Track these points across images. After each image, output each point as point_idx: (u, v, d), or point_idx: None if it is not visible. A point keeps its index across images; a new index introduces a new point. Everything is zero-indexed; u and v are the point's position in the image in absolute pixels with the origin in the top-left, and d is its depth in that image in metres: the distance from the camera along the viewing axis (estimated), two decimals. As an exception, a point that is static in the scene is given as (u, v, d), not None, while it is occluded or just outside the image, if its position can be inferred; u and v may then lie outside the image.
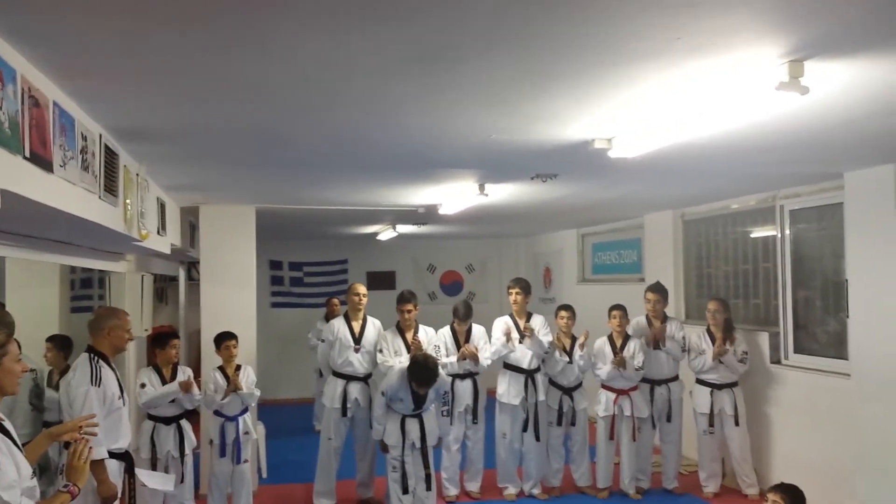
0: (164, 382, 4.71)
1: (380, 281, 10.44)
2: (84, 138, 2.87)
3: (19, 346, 2.44)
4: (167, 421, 4.72)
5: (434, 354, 5.27)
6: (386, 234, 9.00)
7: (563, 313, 5.92)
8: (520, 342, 5.76)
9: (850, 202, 4.78)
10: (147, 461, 4.62)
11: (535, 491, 5.86)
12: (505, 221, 8.28)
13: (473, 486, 5.87)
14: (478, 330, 5.84)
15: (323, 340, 6.04)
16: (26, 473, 2.29)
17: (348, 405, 5.59)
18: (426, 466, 4.99)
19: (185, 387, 4.67)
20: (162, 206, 4.96)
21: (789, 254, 5.73)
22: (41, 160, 2.38)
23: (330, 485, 5.64)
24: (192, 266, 8.07)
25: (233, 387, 4.99)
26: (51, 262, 4.93)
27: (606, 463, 5.85)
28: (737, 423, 5.66)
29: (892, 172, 4.39)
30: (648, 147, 3.55)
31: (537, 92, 2.80)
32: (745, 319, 6.23)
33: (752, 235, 6.25)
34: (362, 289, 5.81)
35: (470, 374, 5.77)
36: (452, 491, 5.81)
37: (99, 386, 3.56)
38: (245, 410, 5.17)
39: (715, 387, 5.71)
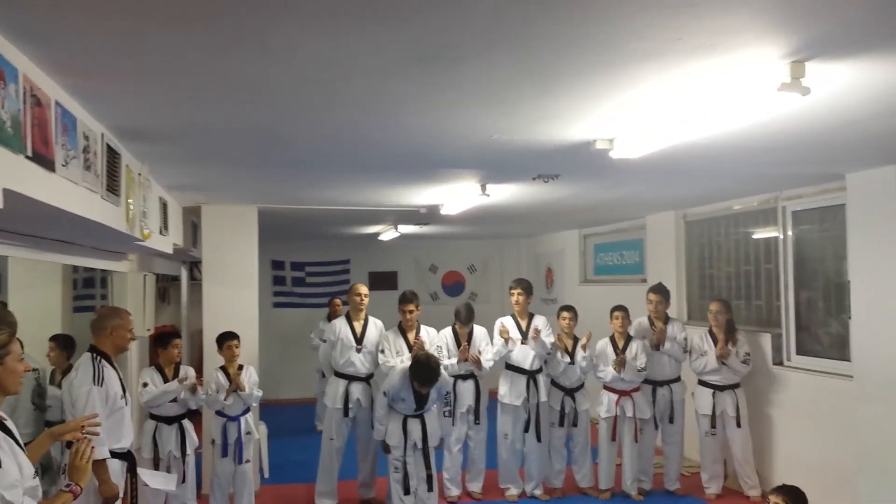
0: (165, 382, 4.72)
1: (382, 281, 10.44)
2: (86, 138, 2.88)
3: (22, 346, 2.45)
4: (169, 421, 4.73)
5: (436, 355, 5.27)
6: (388, 234, 9.00)
7: (564, 314, 5.91)
8: (522, 342, 5.76)
9: (853, 203, 4.76)
10: (149, 461, 4.62)
11: (537, 492, 5.86)
12: (507, 222, 8.28)
13: (475, 487, 5.87)
14: (479, 332, 5.84)
15: (325, 340, 6.05)
16: (28, 473, 2.30)
17: (350, 405, 5.59)
18: (428, 467, 4.99)
19: (192, 388, 4.71)
20: (164, 206, 4.97)
21: (791, 255, 5.72)
22: (43, 159, 2.38)
23: (332, 485, 5.64)
24: (195, 266, 8.08)
25: (234, 386, 5.00)
26: (53, 262, 4.94)
27: (608, 464, 5.84)
28: (738, 425, 5.65)
29: (894, 173, 4.38)
30: (650, 148, 3.55)
31: (538, 92, 2.80)
32: (748, 321, 6.22)
33: (755, 236, 6.24)
34: (364, 289, 5.81)
35: (472, 375, 5.77)
36: (454, 491, 5.81)
37: (101, 385, 3.57)
38: (247, 410, 5.17)
39: (717, 388, 5.71)
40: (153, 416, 4.75)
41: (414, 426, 4.99)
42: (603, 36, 2.19)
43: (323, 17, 2.01)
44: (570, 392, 5.85)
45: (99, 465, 3.33)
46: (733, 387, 5.71)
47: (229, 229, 6.21)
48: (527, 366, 5.77)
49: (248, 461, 5.14)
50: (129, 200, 3.64)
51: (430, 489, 4.98)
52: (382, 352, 5.53)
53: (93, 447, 2.65)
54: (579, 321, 5.95)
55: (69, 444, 2.73)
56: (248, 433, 5.16)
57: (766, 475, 5.72)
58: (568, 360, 5.78)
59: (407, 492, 4.92)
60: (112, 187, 3.27)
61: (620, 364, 5.63)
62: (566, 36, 2.18)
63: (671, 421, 5.91)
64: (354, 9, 1.97)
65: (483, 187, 5.21)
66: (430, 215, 6.94)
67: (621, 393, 5.76)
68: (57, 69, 2.43)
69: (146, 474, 4.10)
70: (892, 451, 4.43)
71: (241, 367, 5.16)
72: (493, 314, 6.57)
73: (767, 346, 5.83)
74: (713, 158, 4.15)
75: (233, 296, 6.12)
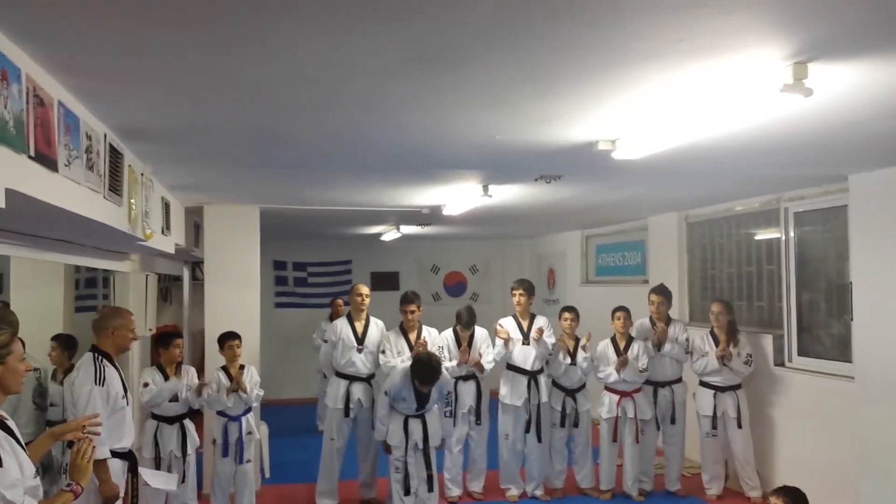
0: (167, 382, 4.72)
1: (383, 281, 10.44)
2: (89, 137, 2.88)
3: (23, 345, 2.45)
4: (171, 420, 4.73)
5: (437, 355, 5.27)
6: (390, 234, 9.00)
7: (566, 315, 5.91)
8: (524, 343, 5.76)
9: (855, 204, 4.75)
10: (150, 460, 4.62)
11: (538, 492, 5.85)
12: (509, 222, 8.27)
13: (476, 486, 5.87)
14: (480, 334, 5.83)
15: (326, 341, 6.05)
16: (29, 472, 2.30)
17: (351, 406, 5.59)
18: (428, 467, 4.98)
19: (198, 390, 4.75)
20: (166, 206, 4.97)
21: (793, 256, 5.71)
22: (46, 159, 2.38)
23: (332, 485, 5.64)
24: (197, 266, 8.09)
25: (234, 385, 5.00)
26: (55, 262, 4.95)
27: (609, 464, 5.84)
28: (739, 426, 5.64)
29: (896, 175, 4.38)
30: (652, 149, 3.54)
31: (540, 93, 2.80)
32: (749, 322, 6.21)
33: (757, 238, 6.23)
34: (365, 289, 5.82)
35: (473, 376, 5.77)
36: (455, 491, 5.81)
37: (103, 385, 3.57)
38: (248, 410, 5.18)
39: (718, 389, 5.70)
40: (154, 416, 4.75)
41: (415, 426, 4.99)
42: (605, 37, 2.18)
43: (323, 17, 2.01)
44: (572, 393, 5.84)
45: (99, 466, 3.33)
46: (734, 388, 5.70)
47: (231, 229, 6.22)
48: (528, 366, 5.77)
49: (248, 461, 5.14)
50: (132, 200, 3.64)
51: (430, 489, 4.98)
52: (383, 352, 5.53)
53: (94, 447, 2.66)
54: (581, 322, 5.94)
55: (70, 444, 2.73)
56: (250, 433, 5.16)
57: (767, 476, 5.71)
58: (569, 360, 5.77)
59: (407, 492, 4.92)
60: (114, 187, 3.27)
61: (623, 364, 5.63)
62: (568, 37, 2.17)
63: (672, 422, 5.90)
64: (354, 9, 1.97)
65: (485, 188, 5.20)
66: (432, 216, 6.94)
67: (623, 394, 5.76)
68: (59, 69, 2.43)
69: (147, 474, 4.10)
70: (893, 453, 4.42)
71: (242, 367, 5.16)
72: (495, 315, 6.56)
73: (769, 347, 5.82)
74: (715, 159, 4.14)
75: (235, 296, 6.12)
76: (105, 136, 3.15)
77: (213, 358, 5.48)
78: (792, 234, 5.71)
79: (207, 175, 4.84)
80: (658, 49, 2.28)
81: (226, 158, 4.26)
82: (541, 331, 5.71)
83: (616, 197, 5.93)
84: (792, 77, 2.39)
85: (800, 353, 5.67)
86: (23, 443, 2.36)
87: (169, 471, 4.62)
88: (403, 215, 7.24)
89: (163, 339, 4.87)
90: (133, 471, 3.82)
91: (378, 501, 5.73)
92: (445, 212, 6.36)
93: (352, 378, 5.64)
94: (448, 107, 2.99)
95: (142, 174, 3.88)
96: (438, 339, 5.71)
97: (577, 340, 5.83)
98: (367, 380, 5.68)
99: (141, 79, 2.61)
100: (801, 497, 3.25)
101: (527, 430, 5.80)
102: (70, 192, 2.67)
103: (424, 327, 5.68)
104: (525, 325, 5.85)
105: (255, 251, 6.32)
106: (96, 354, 3.67)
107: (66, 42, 2.21)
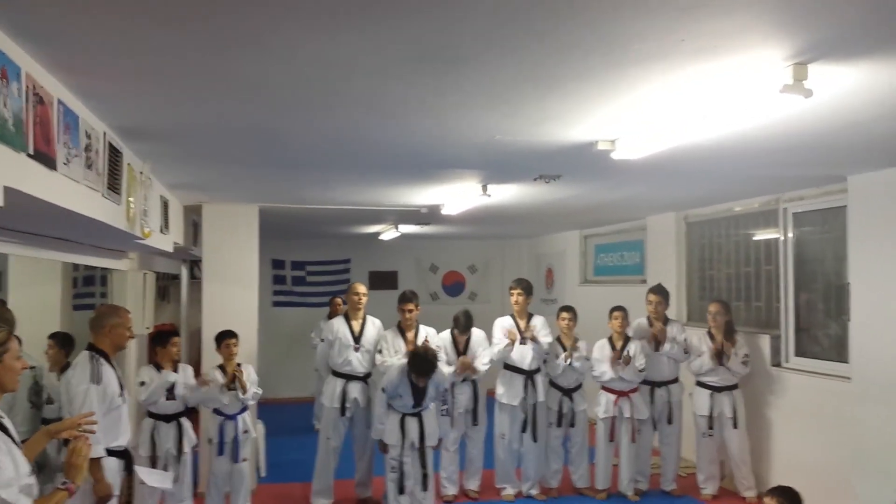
0: (164, 381, 4.72)
1: (382, 281, 10.44)
2: (88, 136, 2.88)
3: (20, 343, 2.45)
4: (167, 419, 4.73)
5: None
6: (388, 233, 9.00)
7: (564, 314, 5.92)
8: (521, 343, 5.76)
9: (854, 205, 4.76)
10: (147, 459, 4.62)
11: (534, 492, 5.86)
12: (508, 222, 8.27)
13: (473, 485, 5.88)
14: (478, 336, 5.83)
15: (324, 340, 6.05)
16: (24, 470, 2.30)
17: (347, 405, 5.59)
18: (424, 466, 4.99)
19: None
20: (165, 205, 4.97)
21: (792, 257, 5.72)
22: (45, 158, 2.38)
23: (327, 483, 5.64)
24: (195, 264, 8.08)
25: (228, 380, 4.99)
26: (53, 260, 4.94)
27: (605, 464, 5.84)
28: (735, 426, 5.65)
29: None
30: (652, 149, 3.55)
31: (540, 93, 2.80)
32: (747, 322, 6.22)
33: (755, 238, 6.23)
34: (362, 288, 5.81)
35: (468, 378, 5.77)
36: (451, 490, 5.81)
37: (99, 384, 3.57)
38: (244, 409, 5.17)
39: (715, 389, 5.70)
40: (151, 415, 4.74)
41: (412, 425, 4.99)
42: (605, 37, 2.18)
43: (323, 17, 2.01)
44: (568, 392, 5.85)
45: (93, 464, 3.32)
46: (731, 388, 5.71)
47: (230, 228, 6.21)
48: (524, 366, 5.77)
49: (244, 460, 5.13)
50: (130, 199, 3.64)
51: (424, 489, 4.98)
52: (380, 352, 5.53)
53: (89, 445, 2.65)
54: (579, 322, 5.95)
55: (66, 442, 2.73)
56: (246, 432, 5.15)
57: (763, 476, 5.71)
58: (567, 362, 5.77)
59: (402, 492, 4.93)
60: (113, 186, 3.27)
61: (625, 363, 5.63)
62: (568, 37, 2.17)
63: (669, 422, 5.91)
64: (354, 9, 1.97)
65: (484, 187, 5.20)
66: (430, 215, 6.94)
67: (619, 393, 5.76)
68: (59, 68, 2.42)
69: (143, 472, 4.09)
70: (890, 453, 4.43)
71: (239, 366, 5.16)
72: (494, 314, 6.56)
73: (766, 347, 5.83)
74: (715, 160, 4.15)
75: (233, 294, 6.11)
76: (104, 134, 3.14)
77: (211, 357, 5.48)
78: (790, 234, 5.72)
79: (206, 174, 4.83)
80: (658, 50, 2.28)
81: (225, 158, 4.25)
82: (530, 332, 5.71)
83: (615, 197, 5.93)
84: (792, 78, 2.40)
85: (797, 354, 5.67)
86: (18, 441, 2.36)
87: (165, 469, 4.61)
88: (402, 215, 7.24)
89: (160, 338, 4.87)
90: (129, 469, 3.82)
91: (374, 501, 5.72)
92: (444, 211, 6.36)
93: (348, 377, 5.63)
94: (448, 107, 2.99)
95: (141, 173, 3.88)
96: (436, 339, 5.70)
97: (575, 340, 5.84)
98: (364, 379, 5.68)
99: (141, 78, 2.61)
100: (796, 497, 3.25)
101: (523, 430, 5.80)
102: (69, 190, 2.67)
103: (422, 327, 5.67)
104: (523, 324, 5.86)
105: (254, 250, 6.31)
106: (93, 353, 3.66)
107: (66, 41, 2.20)
